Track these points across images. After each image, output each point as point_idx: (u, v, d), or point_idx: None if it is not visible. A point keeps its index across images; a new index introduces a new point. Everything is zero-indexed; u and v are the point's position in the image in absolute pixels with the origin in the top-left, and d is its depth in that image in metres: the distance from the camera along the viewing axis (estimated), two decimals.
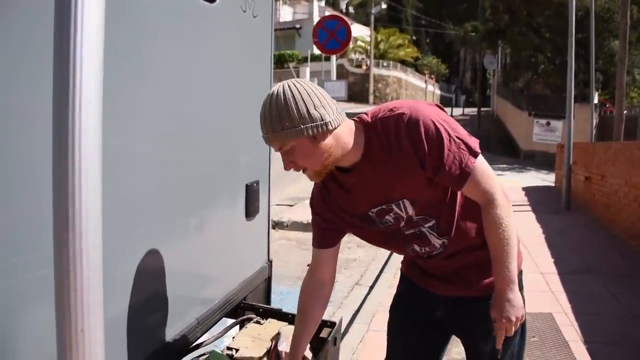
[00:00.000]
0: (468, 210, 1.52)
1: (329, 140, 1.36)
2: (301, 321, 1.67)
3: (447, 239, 1.54)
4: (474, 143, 1.43)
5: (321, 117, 1.33)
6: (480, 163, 1.43)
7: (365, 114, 1.47)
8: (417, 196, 1.46)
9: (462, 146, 1.40)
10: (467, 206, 1.52)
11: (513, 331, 1.48)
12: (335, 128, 1.36)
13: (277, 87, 1.36)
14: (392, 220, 1.52)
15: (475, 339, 1.69)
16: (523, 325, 1.64)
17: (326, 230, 1.60)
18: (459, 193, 1.51)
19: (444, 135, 1.38)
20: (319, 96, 1.35)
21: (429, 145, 1.37)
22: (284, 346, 1.88)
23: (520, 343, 1.69)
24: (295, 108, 1.31)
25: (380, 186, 1.46)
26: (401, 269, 1.84)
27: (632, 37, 17.54)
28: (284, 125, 1.32)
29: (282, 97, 1.32)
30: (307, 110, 1.32)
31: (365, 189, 1.48)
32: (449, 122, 1.42)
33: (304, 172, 1.43)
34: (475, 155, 1.42)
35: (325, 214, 1.58)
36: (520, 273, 1.64)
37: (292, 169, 1.42)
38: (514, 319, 1.45)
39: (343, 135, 1.39)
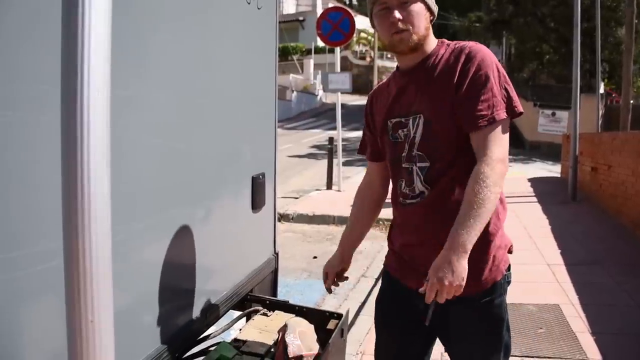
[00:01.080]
0: (461, 185, 1.47)
1: (428, 24, 1.55)
2: (356, 217, 1.89)
3: (427, 191, 1.53)
4: (518, 105, 1.47)
5: (435, 3, 1.57)
6: (506, 126, 1.45)
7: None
8: (433, 118, 1.51)
9: (505, 97, 1.45)
10: (462, 180, 1.47)
11: (444, 299, 1.36)
12: (431, 20, 1.57)
13: None
14: (401, 137, 1.58)
15: (450, 339, 1.67)
16: (505, 319, 1.60)
17: (373, 142, 1.76)
18: (467, 157, 1.47)
19: (494, 76, 1.45)
20: None
21: (476, 73, 1.45)
22: (291, 338, 1.88)
23: (507, 334, 1.63)
24: None
25: (413, 94, 1.56)
26: (384, 262, 1.82)
27: (639, 26, 17.38)
28: None
29: None
30: None
31: (404, 94, 1.59)
32: (506, 76, 1.50)
33: (400, 33, 1.51)
34: (511, 111, 1.45)
35: (368, 125, 1.77)
36: (506, 272, 1.58)
37: (392, 26, 1.51)
38: (446, 283, 1.33)
39: (430, 31, 1.57)
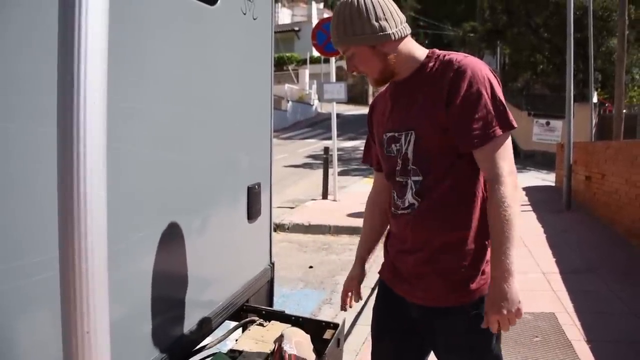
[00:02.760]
0: (452, 195, 1.50)
1: (388, 51, 1.48)
2: (370, 226, 1.89)
3: (417, 203, 1.53)
4: (512, 118, 1.44)
5: (382, 28, 1.45)
6: (508, 138, 1.43)
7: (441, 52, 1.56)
8: (424, 135, 1.49)
9: (500, 112, 1.41)
10: (453, 192, 1.49)
11: (508, 327, 1.38)
12: (397, 41, 1.49)
13: None
14: (394, 152, 1.58)
15: (438, 350, 1.66)
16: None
17: (373, 149, 1.76)
18: (460, 168, 1.48)
19: (487, 92, 1.41)
20: (384, 8, 1.46)
21: (467, 91, 1.40)
22: (288, 348, 1.88)
23: (497, 346, 1.60)
24: (358, 17, 1.44)
25: (404, 110, 1.54)
26: (379, 270, 1.83)
27: (631, 36, 17.55)
28: (347, 32, 1.46)
29: (349, 5, 1.45)
30: (370, 20, 1.44)
31: (396, 109, 1.57)
32: (498, 87, 1.45)
33: (363, 75, 1.56)
34: (506, 125, 1.42)
35: (371, 135, 1.75)
36: (479, 301, 1.53)
37: (354, 72, 1.56)
38: (505, 312, 1.35)
39: (404, 50, 1.51)
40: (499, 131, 1.40)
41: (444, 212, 1.51)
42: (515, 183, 1.42)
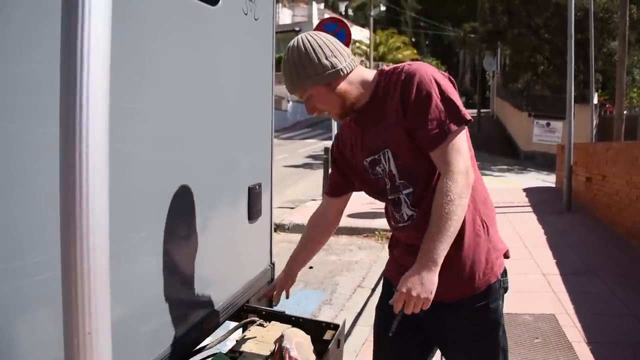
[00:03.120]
0: None
1: (342, 86, 1.51)
2: (307, 240, 1.90)
3: (416, 212, 1.56)
4: (465, 112, 1.46)
5: (333, 65, 1.48)
6: (461, 135, 1.46)
7: (389, 68, 1.58)
8: (397, 149, 1.52)
9: (451, 109, 1.44)
10: None
11: (410, 310, 1.40)
12: (349, 73, 1.51)
13: (293, 41, 1.50)
14: (380, 173, 1.60)
15: (447, 346, 1.68)
16: (501, 324, 1.62)
17: (340, 180, 1.77)
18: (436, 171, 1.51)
19: (436, 91, 1.43)
20: (330, 46, 1.49)
21: (417, 95, 1.44)
22: (288, 349, 1.87)
23: (503, 338, 1.65)
24: (308, 59, 1.47)
25: (374, 132, 1.56)
26: (384, 269, 1.85)
27: (632, 37, 17.53)
28: (300, 75, 1.48)
29: (297, 50, 1.47)
30: (319, 60, 1.47)
31: (367, 134, 1.60)
32: (447, 85, 1.47)
33: (325, 115, 1.58)
34: (459, 121, 1.44)
35: (340, 164, 1.75)
36: (501, 278, 1.59)
37: (315, 114, 1.58)
38: (414, 294, 1.37)
39: (356, 79, 1.54)
40: (453, 127, 1.43)
41: None
42: (467, 181, 1.44)
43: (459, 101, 1.47)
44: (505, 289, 1.64)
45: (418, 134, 1.45)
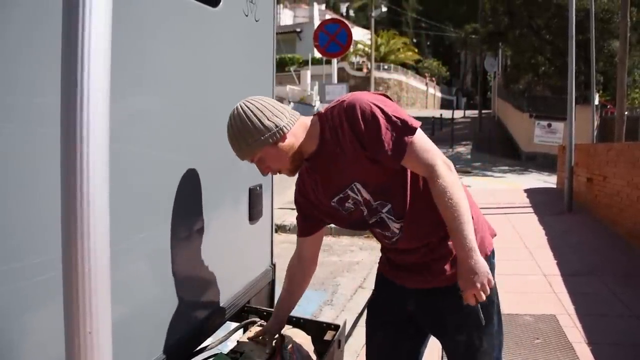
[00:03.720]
0: (419, 191, 1.57)
1: (289, 141, 1.53)
2: (288, 290, 1.87)
3: (403, 222, 1.60)
4: (412, 121, 1.51)
5: (275, 125, 1.51)
6: (418, 138, 1.51)
7: (325, 108, 1.61)
8: (365, 178, 1.56)
9: (399, 124, 1.49)
10: (417, 187, 1.57)
11: (484, 297, 1.46)
12: (291, 129, 1.54)
13: (234, 110, 1.53)
14: (352, 206, 1.62)
15: (448, 331, 1.70)
16: (495, 302, 1.66)
17: (308, 221, 1.77)
18: (407, 174, 1.56)
19: (380, 114, 1.48)
20: (269, 107, 1.52)
21: (365, 125, 1.48)
22: (289, 349, 1.88)
23: (498, 320, 1.69)
24: (251, 124, 1.49)
25: (334, 173, 1.58)
26: (378, 266, 1.88)
27: (632, 38, 17.53)
28: (247, 142, 1.50)
29: (238, 118, 1.51)
30: (261, 123, 1.49)
31: (325, 178, 1.61)
32: (387, 104, 1.52)
33: (280, 172, 1.61)
34: (411, 132, 1.49)
35: (305, 207, 1.75)
36: (491, 254, 1.68)
37: (269, 173, 1.62)
38: (479, 285, 1.44)
39: (299, 132, 1.56)
40: (407, 139, 1.48)
41: (428, 217, 1.58)
42: (447, 168, 1.51)
43: (402, 114, 1.51)
44: (492, 265, 1.68)
45: (380, 157, 1.49)
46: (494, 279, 1.63)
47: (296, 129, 1.56)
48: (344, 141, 1.51)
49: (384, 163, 1.51)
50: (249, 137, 1.50)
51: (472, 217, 1.57)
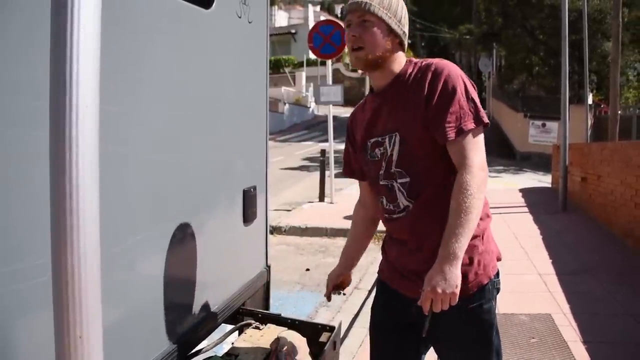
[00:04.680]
0: (443, 188, 1.53)
1: (393, 44, 1.58)
2: (354, 235, 1.95)
3: (412, 205, 1.58)
4: (484, 115, 1.52)
5: (403, 26, 1.59)
6: (478, 133, 1.50)
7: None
8: (408, 135, 1.55)
9: (472, 109, 1.49)
10: (445, 183, 1.53)
11: (439, 308, 1.39)
12: (401, 45, 1.61)
13: None
14: (378, 156, 1.63)
15: (442, 346, 1.68)
16: (494, 325, 1.62)
17: (356, 161, 1.81)
18: (441, 166, 1.54)
19: (462, 89, 1.50)
20: (406, 18, 1.63)
21: (444, 87, 1.49)
22: (284, 351, 1.88)
23: (497, 338, 1.64)
24: (399, 9, 1.58)
25: (387, 113, 1.61)
26: (378, 270, 1.86)
27: (625, 38, 17.61)
28: (384, 6, 1.55)
29: None
30: (402, 14, 1.59)
31: (380, 114, 1.63)
32: (471, 87, 1.54)
33: (353, 49, 1.58)
34: (478, 121, 1.49)
35: (349, 148, 1.82)
36: (494, 278, 1.61)
37: (353, 41, 1.57)
38: (440, 291, 1.37)
39: (399, 55, 1.62)
40: (470, 124, 1.48)
41: (439, 211, 1.53)
42: (484, 178, 1.47)
43: (479, 104, 1.52)
44: (498, 290, 1.64)
45: (435, 124, 1.49)
46: (496, 303, 1.61)
47: (400, 52, 1.62)
48: (415, 90, 1.54)
49: (433, 133, 1.50)
50: (388, 7, 1.55)
51: (483, 241, 1.55)
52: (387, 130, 1.60)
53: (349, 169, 1.88)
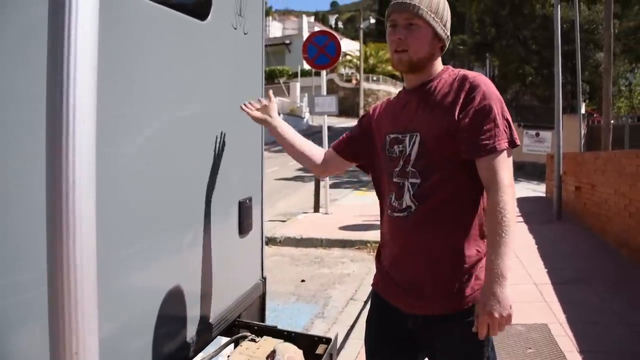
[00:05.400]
0: (451, 203, 1.53)
1: (436, 48, 1.59)
2: (300, 139, 1.97)
3: (414, 207, 1.56)
4: (516, 137, 1.52)
5: (447, 30, 1.61)
6: (510, 155, 1.51)
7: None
8: (429, 138, 1.55)
9: (506, 128, 1.50)
10: (453, 200, 1.53)
11: (497, 331, 1.40)
12: (442, 48, 1.63)
13: None
14: (396, 153, 1.62)
15: (436, 358, 1.66)
16: (490, 340, 1.58)
17: (350, 144, 1.83)
18: (459, 178, 1.53)
19: (498, 108, 1.50)
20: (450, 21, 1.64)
21: (480, 104, 1.49)
22: None
23: (492, 353, 1.62)
24: (445, 11, 1.59)
25: (412, 112, 1.61)
26: (372, 282, 1.83)
27: (617, 49, 17.78)
28: (432, 9, 1.54)
29: None
30: (448, 19, 1.60)
31: (406, 111, 1.63)
32: (506, 108, 1.54)
33: (397, 51, 1.58)
34: (511, 143, 1.50)
35: (363, 130, 1.81)
36: (473, 307, 1.54)
37: (397, 43, 1.57)
38: (497, 315, 1.37)
39: (439, 59, 1.64)
40: (504, 144, 1.48)
41: (442, 219, 1.54)
42: (514, 195, 1.48)
43: (513, 125, 1.53)
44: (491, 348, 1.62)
45: (467, 137, 1.48)
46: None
47: (440, 52, 1.63)
48: (450, 96, 1.54)
49: (460, 145, 1.49)
50: (435, 6, 1.55)
51: (485, 258, 1.52)
52: (409, 128, 1.59)
53: (341, 145, 1.86)
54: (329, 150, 1.91)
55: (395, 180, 1.62)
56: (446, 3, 1.60)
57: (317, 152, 1.92)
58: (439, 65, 1.64)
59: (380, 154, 1.71)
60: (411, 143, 1.58)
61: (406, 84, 1.70)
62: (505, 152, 1.48)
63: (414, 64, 1.58)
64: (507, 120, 1.50)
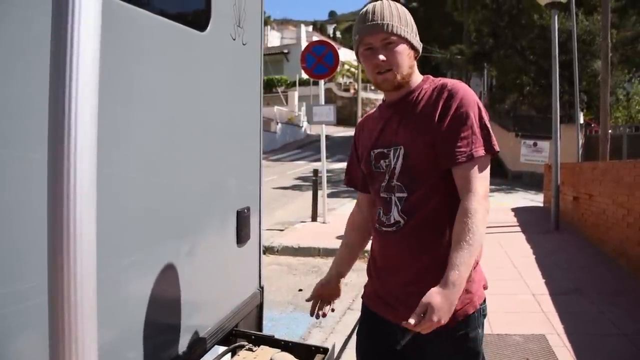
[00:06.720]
0: (438, 216, 1.52)
1: (412, 62, 1.59)
2: (348, 247, 1.89)
3: (403, 221, 1.55)
4: (495, 143, 1.51)
5: (417, 38, 1.61)
6: (488, 163, 1.50)
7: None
8: (412, 151, 1.54)
9: (484, 134, 1.49)
10: (439, 213, 1.52)
11: (425, 330, 1.34)
12: (416, 57, 1.62)
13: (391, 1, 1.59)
14: (383, 167, 1.61)
15: None
16: (481, 353, 1.59)
17: (363, 174, 1.76)
18: (441, 189, 1.52)
19: (476, 113, 1.49)
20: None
21: (457, 111, 1.48)
22: None
23: None
24: (410, 18, 1.58)
25: (395, 126, 1.60)
26: (362, 294, 1.83)
27: (614, 58, 17.86)
28: (402, 22, 1.54)
29: (397, 6, 1.56)
30: (414, 27, 1.59)
31: (388, 127, 1.62)
32: (486, 114, 1.54)
33: (379, 72, 1.56)
34: (489, 149, 1.49)
35: (353, 156, 1.81)
36: (480, 306, 1.57)
37: (380, 66, 1.55)
38: (435, 319, 1.32)
39: (415, 68, 1.62)
40: (481, 151, 1.47)
41: (430, 233, 1.53)
42: (488, 208, 1.46)
43: (492, 131, 1.52)
44: (484, 316, 1.62)
45: (444, 146, 1.48)
46: (483, 328, 1.60)
47: (415, 61, 1.62)
48: (430, 106, 1.54)
49: (439, 154, 1.49)
50: (404, 21, 1.55)
51: (474, 270, 1.52)
52: (393, 142, 1.59)
53: (348, 178, 1.87)
54: (360, 197, 1.86)
55: (382, 195, 1.62)
56: (407, 11, 1.60)
57: (361, 224, 1.86)
58: (417, 76, 1.64)
59: (367, 170, 1.70)
60: (395, 156, 1.58)
61: (386, 98, 1.69)
62: (482, 159, 1.47)
63: (400, 81, 1.58)
64: (484, 126, 1.50)
